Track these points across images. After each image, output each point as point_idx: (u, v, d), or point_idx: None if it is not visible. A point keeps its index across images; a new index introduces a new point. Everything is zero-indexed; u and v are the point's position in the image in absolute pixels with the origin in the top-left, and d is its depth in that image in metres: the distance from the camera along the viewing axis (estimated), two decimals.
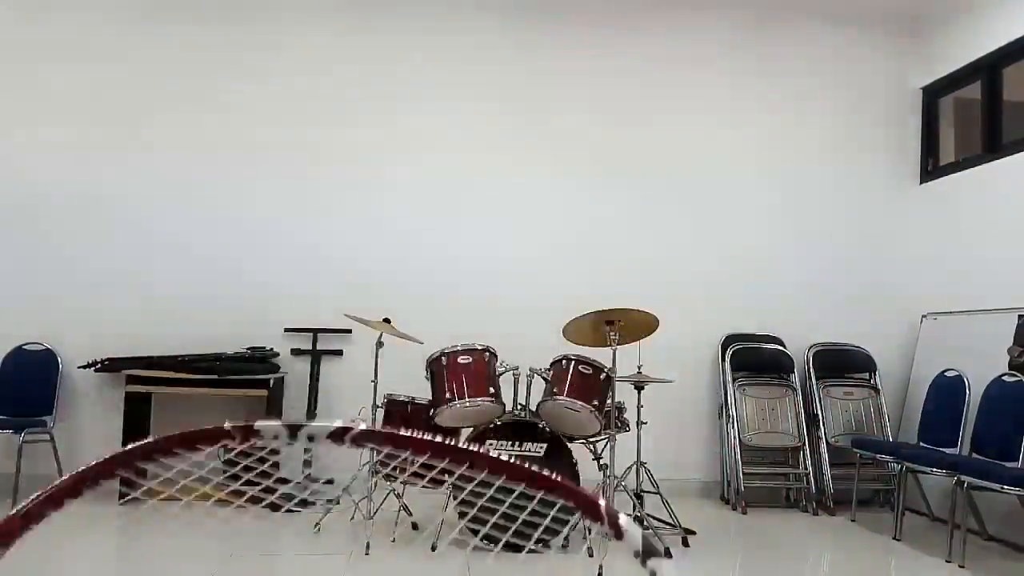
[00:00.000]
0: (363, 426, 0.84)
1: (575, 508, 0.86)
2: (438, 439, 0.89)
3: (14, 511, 0.84)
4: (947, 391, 4.71)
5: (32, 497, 0.84)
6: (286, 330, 5.02)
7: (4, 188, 5.00)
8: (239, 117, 5.19)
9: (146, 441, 0.90)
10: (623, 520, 0.85)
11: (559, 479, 0.88)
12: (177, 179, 5.08)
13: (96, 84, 5.13)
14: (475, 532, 3.68)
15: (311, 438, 0.92)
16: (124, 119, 5.12)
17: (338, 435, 0.91)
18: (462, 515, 3.69)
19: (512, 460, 0.89)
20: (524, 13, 5.42)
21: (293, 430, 0.90)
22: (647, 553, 0.81)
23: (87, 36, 5.14)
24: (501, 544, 3.64)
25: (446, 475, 0.99)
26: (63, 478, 0.88)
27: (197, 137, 5.15)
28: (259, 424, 0.91)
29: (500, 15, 5.42)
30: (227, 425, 0.90)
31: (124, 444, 4.58)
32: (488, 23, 5.41)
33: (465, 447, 0.91)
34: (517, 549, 3.65)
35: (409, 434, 0.91)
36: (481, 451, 0.92)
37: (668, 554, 3.69)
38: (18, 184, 5.01)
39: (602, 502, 0.87)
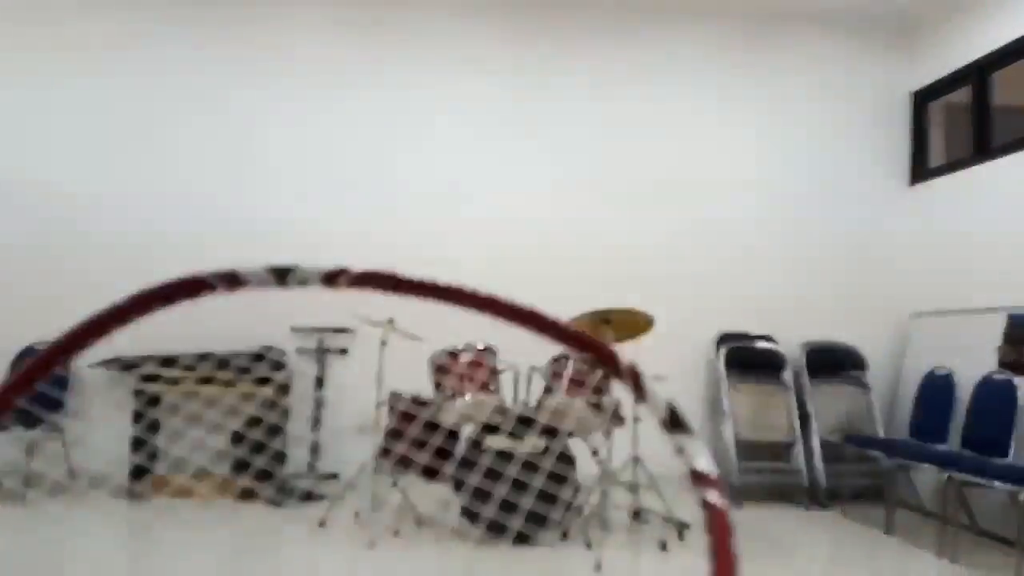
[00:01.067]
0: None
1: (595, 360, 0.79)
2: (439, 283, 0.81)
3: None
4: (937, 388, 4.77)
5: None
6: (292, 329, 5.11)
7: (16, 188, 5.08)
8: (245, 118, 5.27)
9: (114, 305, 0.83)
10: (647, 381, 0.78)
11: (577, 330, 0.82)
12: (186, 178, 5.16)
13: (101, 84, 5.20)
14: (478, 525, 3.76)
15: (303, 282, 0.84)
16: (131, 119, 5.18)
17: (332, 278, 0.83)
18: (464, 510, 3.77)
19: (528, 310, 0.80)
20: (523, 19, 5.51)
21: (281, 274, 0.82)
22: (674, 424, 0.76)
23: (90, 37, 5.22)
24: (504, 536, 3.72)
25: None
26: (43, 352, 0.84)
27: (205, 137, 5.23)
28: (242, 269, 0.84)
29: (499, 25, 5.51)
30: (206, 274, 0.83)
31: (134, 442, 4.68)
32: (486, 33, 5.49)
33: (472, 291, 0.82)
34: (520, 541, 3.73)
35: (409, 277, 0.83)
36: (490, 297, 0.84)
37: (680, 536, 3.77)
38: (29, 184, 5.08)
39: (624, 357, 0.79)
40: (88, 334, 0.88)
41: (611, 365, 0.80)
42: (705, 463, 0.76)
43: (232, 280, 0.86)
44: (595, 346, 0.81)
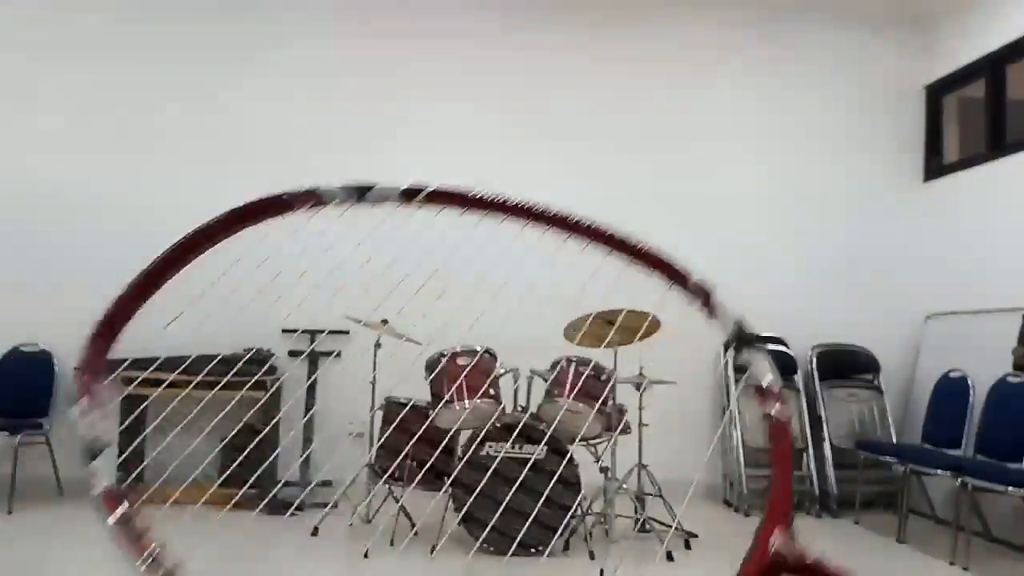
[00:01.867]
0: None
1: (665, 278, 0.84)
2: (512, 200, 0.85)
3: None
4: (951, 392, 4.68)
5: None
6: (283, 331, 4.98)
7: (1, 187, 4.97)
8: (240, 116, 5.17)
9: (204, 224, 0.91)
10: (716, 298, 0.81)
11: (645, 246, 0.86)
12: (176, 178, 5.05)
13: (97, 83, 5.11)
14: (475, 536, 3.64)
15: (381, 199, 0.88)
16: (124, 118, 5.09)
17: (410, 195, 0.86)
18: (463, 519, 3.65)
19: (602, 229, 0.83)
20: (528, 8, 5.39)
21: (361, 192, 0.86)
22: (742, 342, 0.79)
23: (87, 34, 5.12)
24: (504, 546, 3.61)
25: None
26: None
27: (197, 136, 5.12)
28: (322, 187, 0.87)
29: (500, 13, 5.39)
30: (285, 195, 0.87)
31: (120, 445, 4.55)
32: (488, 22, 5.38)
33: (543, 210, 0.87)
34: (520, 551, 3.62)
35: (483, 195, 0.86)
36: (560, 214, 0.88)
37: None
38: (14, 183, 4.98)
39: (694, 274, 0.83)
40: (184, 251, 0.96)
41: (682, 283, 0.84)
42: (770, 379, 0.81)
43: (312, 198, 0.89)
44: (666, 264, 0.85)
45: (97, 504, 0.76)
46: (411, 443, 3.77)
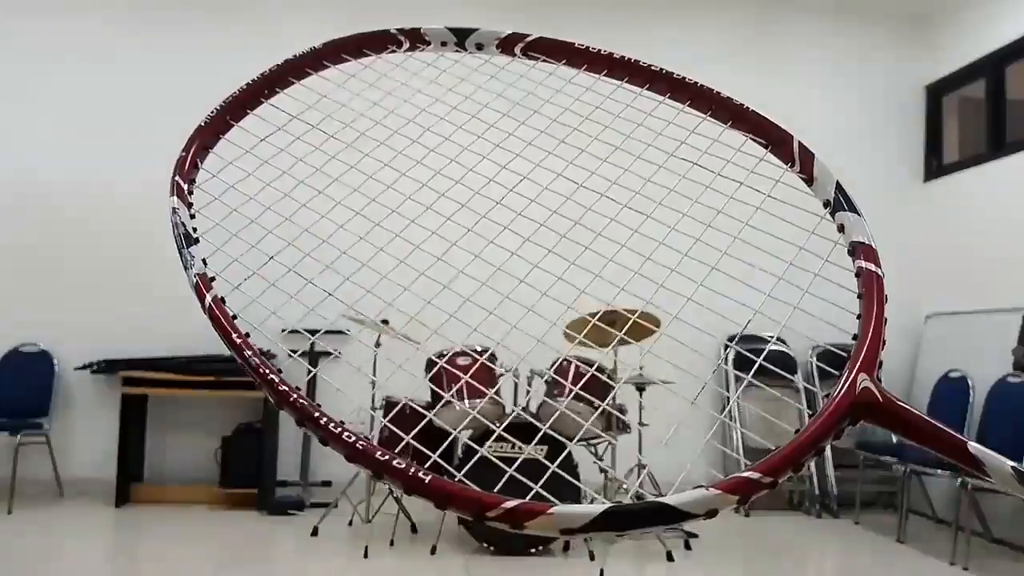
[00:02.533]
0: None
1: (762, 142, 0.86)
2: (612, 54, 0.89)
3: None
4: (951, 392, 4.67)
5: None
6: (283, 331, 4.97)
7: (0, 187, 4.96)
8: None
9: (312, 48, 0.98)
10: (818, 164, 0.84)
11: (745, 105, 0.90)
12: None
13: (97, 82, 5.10)
14: (475, 536, 3.64)
15: (480, 46, 0.94)
16: (124, 118, 5.07)
17: (509, 43, 0.92)
18: (463, 519, 3.64)
19: (708, 88, 0.85)
20: (522, 11, 5.39)
21: (462, 35, 0.91)
22: (839, 204, 0.83)
23: (87, 34, 5.11)
24: (504, 546, 3.61)
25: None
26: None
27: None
28: (425, 27, 0.91)
29: (499, 13, 5.38)
30: (393, 29, 0.92)
31: (120, 447, 4.55)
32: (486, 21, 5.37)
33: (645, 65, 0.90)
34: (520, 551, 3.61)
35: (582, 46, 0.92)
36: (660, 69, 0.94)
37: (687, 546, 3.64)
38: (14, 183, 4.97)
39: (796, 138, 0.86)
40: (285, 73, 1.04)
41: (783, 148, 0.87)
42: (864, 236, 0.85)
43: (415, 36, 0.95)
44: (766, 126, 0.88)
45: (193, 285, 0.85)
46: (411, 443, 3.76)
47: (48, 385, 4.72)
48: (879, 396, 0.70)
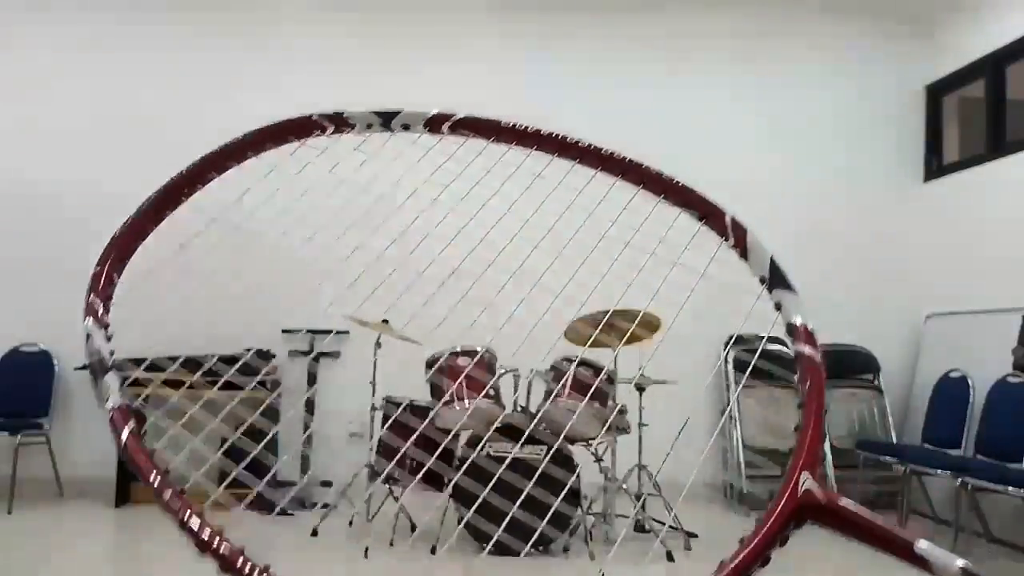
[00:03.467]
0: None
1: (697, 213, 0.83)
2: (541, 130, 0.84)
3: None
4: (951, 392, 4.67)
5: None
6: (283, 331, 4.98)
7: (0, 187, 4.96)
8: (239, 117, 5.15)
9: (228, 143, 0.89)
10: (751, 238, 0.80)
11: (679, 182, 0.85)
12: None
13: (98, 82, 5.10)
14: (475, 535, 3.64)
15: (406, 126, 0.88)
16: (125, 118, 5.07)
17: (436, 122, 0.86)
18: (462, 519, 3.65)
19: (637, 163, 0.81)
20: (522, 9, 5.39)
21: (387, 117, 0.87)
22: (774, 281, 0.79)
23: (87, 33, 5.11)
24: (503, 546, 3.60)
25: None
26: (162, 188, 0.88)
27: (198, 136, 5.10)
28: (349, 111, 0.86)
29: (500, 11, 5.38)
30: (315, 115, 0.88)
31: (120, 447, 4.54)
32: (487, 19, 5.37)
33: (573, 140, 0.85)
34: (517, 553, 3.61)
35: (512, 124, 0.85)
36: (594, 147, 0.85)
37: (670, 557, 3.64)
38: (14, 182, 4.97)
39: (728, 212, 0.81)
40: (206, 168, 0.97)
41: (717, 221, 0.81)
42: (801, 319, 0.81)
43: (339, 121, 0.88)
44: (698, 201, 0.83)
45: (108, 419, 0.78)
46: (411, 443, 3.76)
47: (48, 385, 4.73)
48: (822, 497, 0.68)
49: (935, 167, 5.50)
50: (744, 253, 0.79)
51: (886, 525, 0.65)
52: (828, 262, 5.42)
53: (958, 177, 5.23)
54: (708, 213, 0.82)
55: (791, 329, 0.80)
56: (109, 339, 0.86)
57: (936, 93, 5.55)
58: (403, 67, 5.27)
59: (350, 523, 4.08)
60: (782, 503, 0.67)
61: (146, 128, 5.10)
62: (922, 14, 5.54)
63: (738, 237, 0.80)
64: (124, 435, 0.76)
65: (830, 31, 5.58)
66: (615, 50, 5.45)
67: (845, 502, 0.67)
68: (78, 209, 4.97)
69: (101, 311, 0.90)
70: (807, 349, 0.80)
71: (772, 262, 0.79)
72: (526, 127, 0.85)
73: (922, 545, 0.62)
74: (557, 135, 0.85)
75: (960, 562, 0.62)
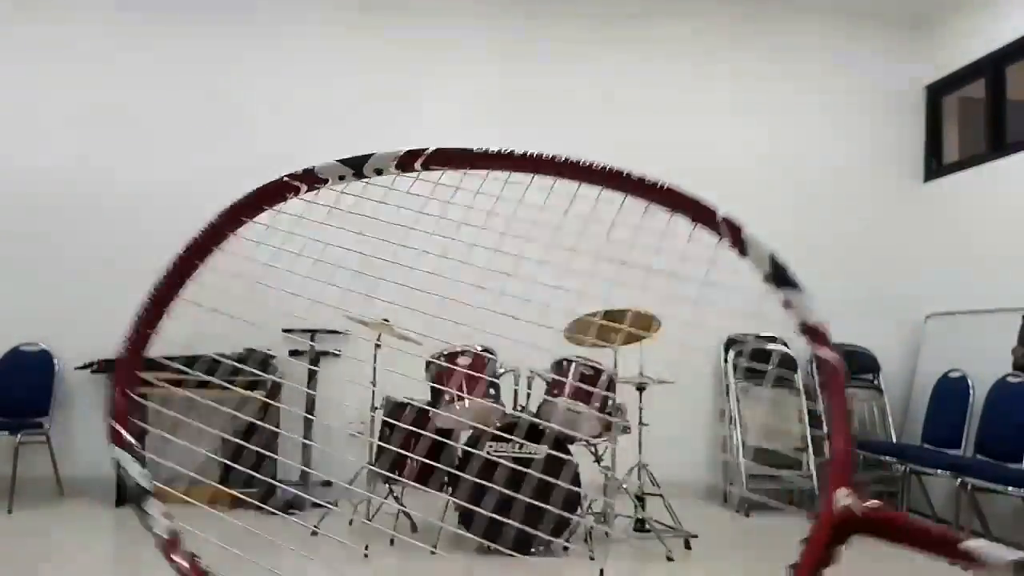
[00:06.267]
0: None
1: (690, 217, 0.78)
2: (515, 153, 0.81)
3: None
4: (951, 392, 4.67)
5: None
6: (284, 331, 4.98)
7: (0, 187, 4.96)
8: (238, 118, 5.15)
9: (209, 225, 0.86)
10: (748, 236, 0.74)
11: (667, 185, 0.80)
12: (177, 179, 5.04)
13: (97, 82, 5.09)
14: (475, 536, 3.64)
15: (379, 171, 0.85)
16: (124, 118, 5.07)
17: (407, 162, 0.83)
18: (463, 519, 3.65)
19: (620, 172, 0.78)
20: (523, 8, 5.39)
21: (357, 164, 0.84)
22: (779, 279, 0.73)
23: (87, 33, 5.11)
24: (503, 545, 3.60)
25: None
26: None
27: (197, 136, 5.11)
28: (319, 165, 0.84)
29: (500, 4, 5.38)
30: (285, 177, 0.85)
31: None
32: (490, 9, 5.36)
33: (554, 158, 0.81)
34: (519, 551, 3.61)
35: (483, 151, 0.82)
36: (573, 161, 0.81)
37: (687, 545, 3.64)
38: (15, 182, 4.97)
39: (721, 211, 0.76)
40: (193, 255, 0.94)
41: (710, 220, 0.76)
42: (813, 316, 0.74)
43: (311, 179, 0.84)
44: (689, 201, 0.78)
45: (161, 546, 0.80)
46: (411, 443, 3.76)
47: (48, 385, 4.72)
48: (859, 511, 0.67)
49: (935, 167, 5.50)
50: (743, 251, 0.76)
51: (931, 527, 0.65)
52: (828, 262, 5.42)
53: (958, 177, 5.23)
54: (699, 214, 0.79)
55: (806, 329, 0.74)
56: (144, 463, 0.85)
57: (936, 93, 5.55)
58: (399, 63, 5.27)
59: (350, 523, 4.08)
60: (820, 528, 0.67)
61: (146, 128, 5.10)
62: (922, 14, 5.54)
63: (733, 235, 0.76)
64: (180, 564, 0.77)
65: (830, 31, 5.59)
66: (611, 52, 5.45)
67: (884, 512, 0.67)
68: (79, 210, 4.98)
69: (130, 440, 0.87)
70: (828, 354, 0.74)
71: (771, 257, 0.75)
72: (499, 151, 0.82)
73: (969, 544, 0.61)
74: (531, 155, 0.82)
75: (1014, 555, 0.59)
